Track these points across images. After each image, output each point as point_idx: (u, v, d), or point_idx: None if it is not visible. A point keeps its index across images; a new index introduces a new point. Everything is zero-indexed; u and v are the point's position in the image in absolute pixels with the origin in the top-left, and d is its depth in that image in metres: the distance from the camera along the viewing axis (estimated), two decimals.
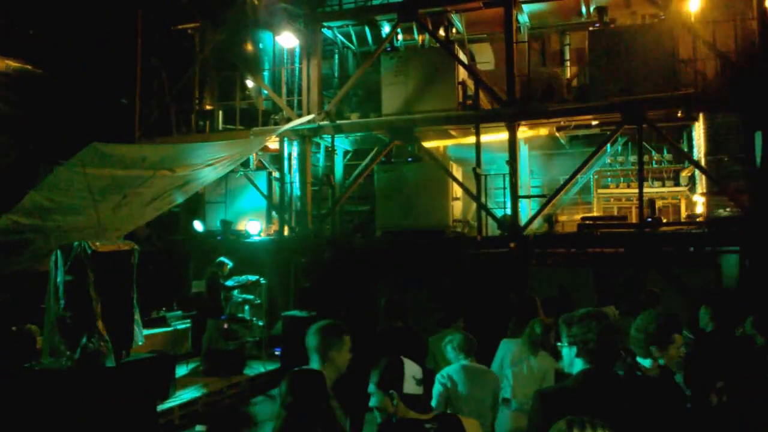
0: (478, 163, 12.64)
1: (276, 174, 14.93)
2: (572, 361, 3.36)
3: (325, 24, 14.47)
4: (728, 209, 11.43)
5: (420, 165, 13.50)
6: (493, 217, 12.56)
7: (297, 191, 14.30)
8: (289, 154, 14.56)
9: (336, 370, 3.95)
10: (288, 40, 14.57)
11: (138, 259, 8.49)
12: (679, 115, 12.39)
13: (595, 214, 13.93)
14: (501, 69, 13.44)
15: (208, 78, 15.03)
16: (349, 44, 16.13)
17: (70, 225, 9.74)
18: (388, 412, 3.19)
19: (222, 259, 12.08)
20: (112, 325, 7.80)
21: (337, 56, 16.37)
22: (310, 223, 13.87)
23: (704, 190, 11.92)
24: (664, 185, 13.44)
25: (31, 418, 7.26)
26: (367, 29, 15.32)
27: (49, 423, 7.15)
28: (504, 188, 12.95)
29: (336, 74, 16.42)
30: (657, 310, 8.16)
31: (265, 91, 14.64)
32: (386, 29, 14.29)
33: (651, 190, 13.05)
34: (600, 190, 13.95)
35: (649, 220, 11.87)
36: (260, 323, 12.59)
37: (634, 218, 12.52)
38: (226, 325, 11.97)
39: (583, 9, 13.66)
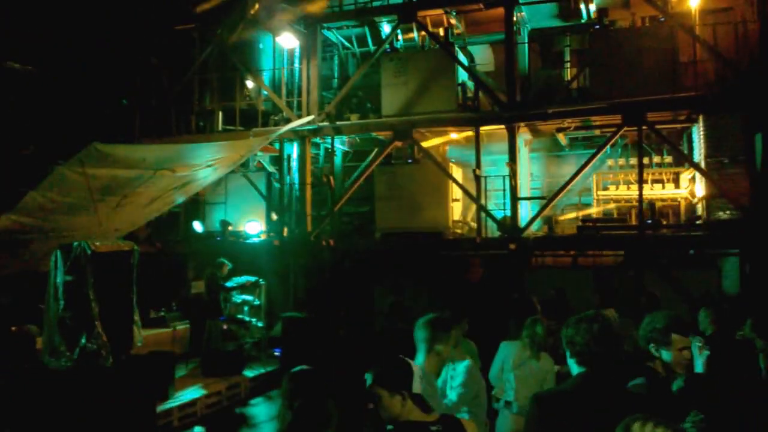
0: (478, 165, 12.64)
1: (276, 175, 14.93)
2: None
3: (325, 25, 14.47)
4: (728, 212, 11.43)
5: (420, 166, 13.50)
6: (493, 219, 12.56)
7: (296, 192, 14.30)
8: (289, 155, 14.55)
9: (440, 362, 4.11)
10: (288, 41, 14.57)
11: (137, 259, 8.49)
12: (679, 117, 12.42)
13: (594, 215, 13.92)
14: (501, 70, 13.46)
15: (208, 78, 15.02)
16: (349, 45, 16.13)
17: (69, 225, 9.73)
18: (393, 413, 3.10)
19: (221, 260, 12.08)
20: (111, 325, 7.79)
21: (336, 57, 16.37)
22: (309, 224, 13.86)
23: (704, 193, 11.92)
24: (664, 187, 13.43)
25: (31, 418, 7.26)
26: (367, 30, 15.32)
27: (49, 423, 7.14)
28: (504, 190, 12.95)
29: (336, 75, 16.43)
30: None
31: (265, 92, 14.63)
32: (386, 30, 14.29)
33: (651, 192, 13.03)
34: (600, 192, 13.92)
35: (649, 222, 11.87)
36: (259, 324, 12.59)
37: (634, 221, 12.50)
38: (225, 326, 11.98)
39: (584, 11, 13.66)
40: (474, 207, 13.15)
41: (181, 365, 11.44)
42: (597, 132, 13.63)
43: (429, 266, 12.65)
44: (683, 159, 12.60)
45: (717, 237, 11.31)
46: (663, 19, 12.33)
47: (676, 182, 13.39)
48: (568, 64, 14.75)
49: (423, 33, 14.02)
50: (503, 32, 12.86)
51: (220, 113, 14.99)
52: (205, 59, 14.79)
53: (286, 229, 14.23)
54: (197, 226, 14.63)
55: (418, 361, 4.23)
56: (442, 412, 3.44)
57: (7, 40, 13.45)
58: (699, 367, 3.79)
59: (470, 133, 13.32)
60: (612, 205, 14.01)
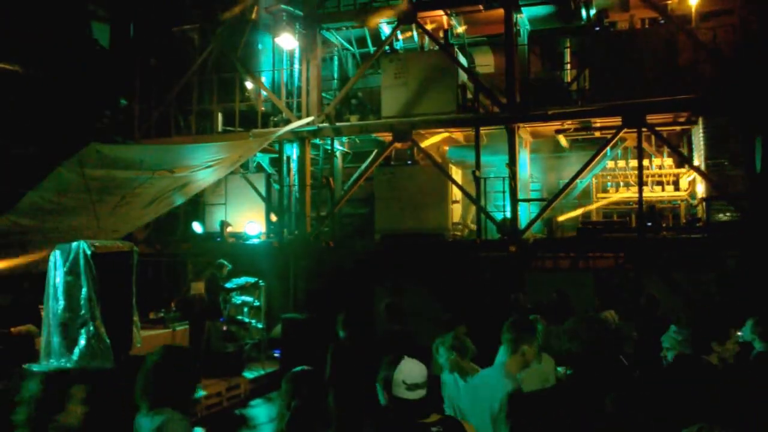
0: (478, 166, 12.64)
1: (275, 176, 14.93)
2: None
3: (324, 26, 14.46)
4: (728, 214, 11.43)
5: (419, 168, 13.49)
6: (493, 221, 12.55)
7: (296, 194, 14.30)
8: (288, 157, 14.55)
9: (524, 363, 4.20)
10: (287, 42, 14.57)
11: (137, 260, 8.47)
12: (679, 119, 12.42)
13: (593, 217, 13.92)
14: (501, 72, 13.46)
15: (208, 79, 15.02)
16: (349, 46, 16.12)
17: (69, 226, 9.73)
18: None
19: (221, 261, 12.07)
20: (110, 326, 7.77)
21: (336, 58, 16.36)
22: (309, 225, 13.85)
23: (704, 195, 11.91)
24: (664, 190, 13.43)
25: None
26: (366, 31, 15.31)
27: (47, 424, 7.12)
28: (504, 192, 12.95)
29: (335, 76, 16.43)
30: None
31: (265, 93, 14.63)
32: (386, 31, 14.28)
33: (651, 194, 13.04)
34: (600, 195, 13.93)
35: (649, 224, 11.86)
36: (259, 325, 12.58)
37: (634, 223, 12.50)
38: (225, 327, 11.97)
39: (584, 12, 13.66)
40: (474, 209, 13.15)
41: None
42: (597, 134, 13.62)
43: (429, 268, 12.63)
44: (683, 161, 12.61)
45: (717, 239, 11.30)
46: (662, 21, 12.33)
47: (676, 184, 13.40)
48: (568, 66, 14.76)
49: (421, 32, 14.00)
50: (503, 34, 12.86)
51: (220, 114, 14.98)
52: (205, 60, 14.78)
53: (285, 231, 14.22)
54: (197, 227, 14.62)
55: (501, 360, 4.27)
56: (445, 415, 3.43)
57: (7, 40, 13.44)
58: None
59: (470, 132, 13.33)
60: (612, 208, 14.02)
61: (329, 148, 14.85)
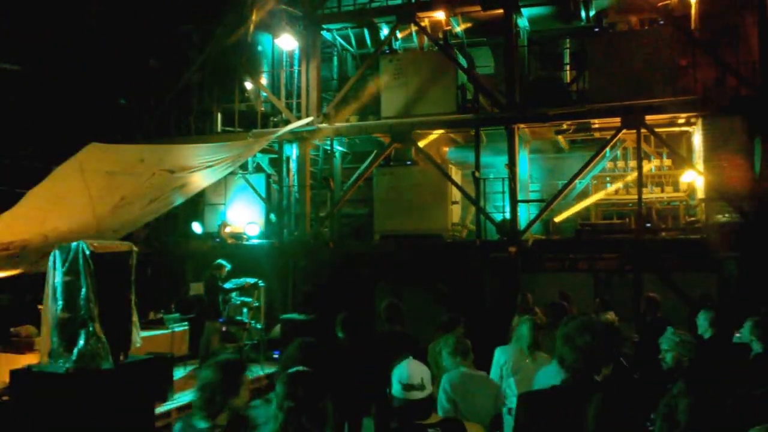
0: (477, 167, 12.64)
1: (275, 176, 14.92)
2: None
3: (324, 26, 14.46)
4: (727, 215, 11.43)
5: (419, 168, 13.49)
6: (492, 222, 12.55)
7: (295, 194, 14.29)
8: (288, 157, 14.54)
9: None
10: (287, 42, 14.56)
11: (136, 260, 8.46)
12: (679, 120, 12.42)
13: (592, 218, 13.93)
14: (500, 73, 13.46)
15: (207, 80, 15.01)
16: (348, 47, 16.12)
17: (67, 226, 9.71)
18: None
19: (220, 261, 12.06)
20: (109, 326, 7.76)
21: (336, 59, 16.37)
22: (308, 226, 13.85)
23: (703, 196, 11.91)
24: (663, 191, 13.44)
25: (28, 420, 7.24)
26: (366, 32, 15.31)
27: (46, 424, 7.12)
28: (503, 192, 12.95)
29: (335, 77, 16.42)
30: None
31: (264, 94, 14.62)
32: (385, 32, 14.29)
33: (650, 195, 13.04)
34: (599, 195, 13.94)
35: (648, 225, 11.87)
36: (258, 326, 12.56)
37: (633, 224, 12.50)
38: (224, 328, 11.94)
39: (583, 13, 13.66)
40: (473, 209, 13.14)
41: (179, 367, 11.41)
42: (596, 134, 13.63)
43: (428, 268, 12.63)
44: (682, 162, 12.61)
45: (716, 240, 11.30)
46: (662, 23, 12.34)
47: (676, 185, 13.41)
48: (568, 67, 14.77)
49: (420, 32, 14.01)
50: (502, 34, 12.87)
51: (219, 114, 14.98)
52: (204, 60, 14.78)
53: (285, 231, 14.21)
54: (196, 228, 14.61)
55: None
56: (444, 416, 3.43)
57: (7, 40, 13.44)
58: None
59: (468, 132, 13.33)
60: (612, 208, 14.02)
61: (329, 148, 14.84)
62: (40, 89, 14.07)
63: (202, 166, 10.87)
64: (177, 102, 15.01)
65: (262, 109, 14.75)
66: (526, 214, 13.38)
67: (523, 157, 13.77)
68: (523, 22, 13.87)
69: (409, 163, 13.77)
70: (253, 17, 14.24)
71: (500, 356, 6.17)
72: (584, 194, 14.30)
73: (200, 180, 11.70)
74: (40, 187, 8.69)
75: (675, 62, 11.76)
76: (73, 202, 9.17)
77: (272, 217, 14.63)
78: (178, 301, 13.53)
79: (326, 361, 3.40)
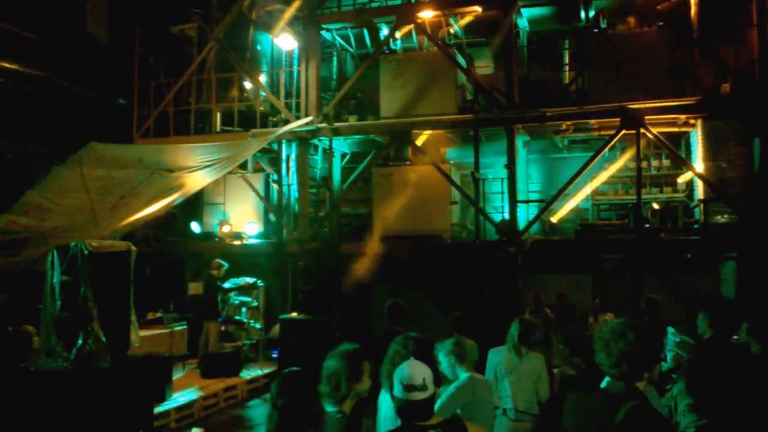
0: (477, 167, 12.64)
1: (274, 176, 14.92)
2: None
3: (323, 26, 14.46)
4: (726, 216, 11.43)
5: (418, 168, 13.48)
6: (491, 222, 12.55)
7: (294, 194, 14.29)
8: (287, 157, 14.54)
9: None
10: (286, 42, 14.55)
11: (135, 260, 8.46)
12: (678, 121, 12.42)
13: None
14: (500, 73, 13.46)
15: (206, 79, 15.01)
16: (348, 47, 16.12)
17: (67, 225, 9.71)
18: None
19: (219, 260, 12.06)
20: (108, 326, 7.75)
21: (335, 58, 16.36)
22: (307, 225, 13.84)
23: (702, 197, 11.92)
24: (662, 191, 13.44)
25: (27, 419, 7.22)
26: (365, 32, 15.30)
27: (45, 424, 7.11)
28: (502, 193, 12.94)
29: (334, 76, 16.42)
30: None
31: (264, 93, 14.61)
32: (385, 32, 14.28)
33: (649, 196, 13.04)
34: (598, 196, 13.94)
35: (647, 226, 11.87)
36: (257, 326, 12.57)
37: (632, 224, 12.50)
38: (223, 328, 11.96)
39: (582, 14, 13.67)
40: (473, 210, 13.14)
41: (178, 366, 11.42)
42: (595, 134, 13.62)
43: (427, 268, 12.63)
44: (682, 163, 12.61)
45: (715, 241, 11.31)
46: (662, 24, 12.34)
47: (674, 186, 13.41)
48: (567, 67, 14.77)
49: (416, 30, 14.00)
50: (502, 35, 12.86)
51: (218, 114, 14.97)
52: (203, 60, 14.77)
53: (284, 231, 14.21)
54: (195, 227, 14.61)
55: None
56: (446, 417, 3.42)
57: (6, 39, 13.43)
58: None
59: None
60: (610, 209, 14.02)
61: (328, 148, 14.84)
62: (39, 89, 14.05)
63: (201, 166, 10.87)
64: (176, 101, 14.99)
65: (262, 108, 14.74)
66: (525, 214, 13.37)
67: (522, 157, 13.77)
68: (522, 23, 13.87)
69: (408, 163, 13.77)
70: (253, 17, 14.26)
71: (493, 357, 6.17)
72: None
73: (199, 180, 11.70)
74: (40, 186, 8.70)
75: (674, 63, 11.76)
76: (72, 201, 9.17)
77: (271, 216, 14.63)
78: (176, 301, 13.53)
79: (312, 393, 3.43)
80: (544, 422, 5.82)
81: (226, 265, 12.03)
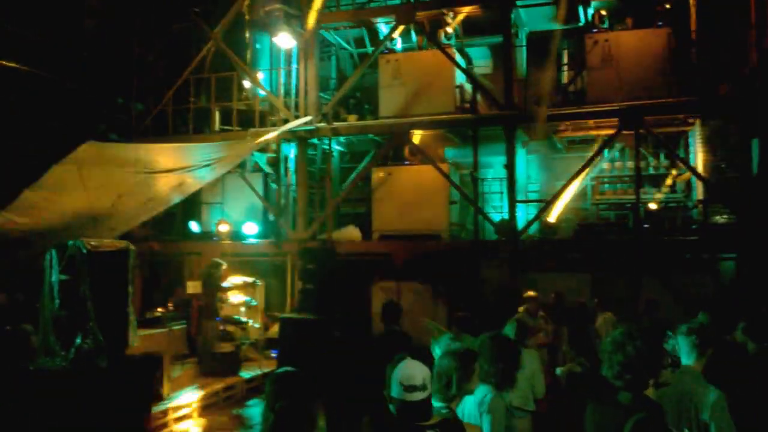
0: (476, 167, 12.64)
1: (273, 175, 14.91)
2: None
3: (322, 26, 14.44)
4: (725, 216, 11.44)
5: (417, 168, 13.48)
6: (490, 222, 12.54)
7: (293, 193, 14.27)
8: (286, 156, 14.52)
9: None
10: (285, 41, 14.54)
11: (133, 259, 8.44)
12: (677, 121, 12.42)
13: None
14: (499, 73, 13.45)
15: (205, 78, 14.99)
16: (347, 46, 16.11)
17: (65, 224, 9.69)
18: None
19: (217, 260, 12.04)
20: (106, 325, 7.74)
21: (334, 58, 16.35)
22: (306, 225, 13.83)
23: (701, 197, 11.92)
24: (661, 192, 13.45)
25: (25, 418, 7.21)
26: (364, 31, 15.30)
27: (43, 423, 7.10)
28: (501, 192, 12.94)
29: (333, 76, 16.41)
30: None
31: (263, 93, 14.60)
32: (384, 31, 14.27)
33: (647, 196, 13.04)
34: (597, 196, 13.94)
35: (646, 226, 11.87)
36: (256, 325, 12.55)
37: (631, 224, 12.50)
38: (221, 327, 11.93)
39: (581, 14, 13.67)
40: (472, 209, 13.13)
41: (177, 366, 11.39)
42: (593, 132, 13.62)
43: (426, 268, 12.62)
44: (681, 163, 12.62)
45: (714, 241, 11.31)
46: (660, 24, 12.34)
47: (674, 186, 13.41)
48: (566, 67, 14.77)
49: (415, 29, 13.99)
50: (501, 34, 12.86)
51: (217, 113, 14.96)
52: (203, 59, 14.76)
53: (283, 230, 14.20)
54: (194, 227, 14.59)
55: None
56: (444, 417, 3.41)
57: (6, 39, 13.42)
58: None
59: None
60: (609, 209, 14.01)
61: (327, 147, 14.83)
62: (39, 87, 14.03)
63: (199, 165, 10.85)
64: (175, 101, 14.98)
65: (260, 108, 14.73)
66: (524, 214, 13.37)
67: (521, 157, 13.77)
68: (521, 23, 13.87)
69: (407, 162, 13.77)
70: (252, 16, 14.25)
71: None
72: (583, 194, 14.30)
73: (198, 179, 11.68)
74: (37, 185, 8.67)
75: (673, 63, 11.76)
76: (70, 200, 9.15)
77: (270, 216, 14.62)
78: (175, 300, 13.50)
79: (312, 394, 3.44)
80: (540, 419, 5.86)
81: (225, 264, 12.01)
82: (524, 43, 14.36)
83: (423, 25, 13.45)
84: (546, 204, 12.54)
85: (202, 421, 9.83)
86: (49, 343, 7.71)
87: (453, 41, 13.68)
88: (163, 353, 10.32)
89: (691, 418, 3.97)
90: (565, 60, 15.01)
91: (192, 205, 14.93)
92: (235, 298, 12.39)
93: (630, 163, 13.19)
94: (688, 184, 13.21)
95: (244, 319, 12.45)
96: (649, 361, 3.33)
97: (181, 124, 15.10)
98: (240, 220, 14.32)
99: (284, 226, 14.22)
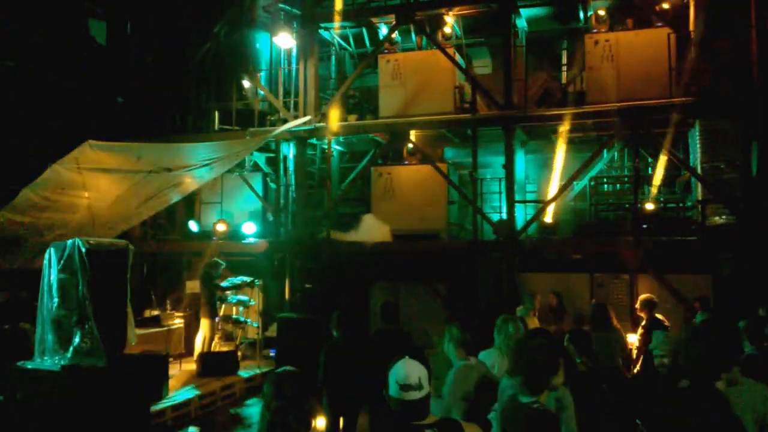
0: (475, 167, 12.64)
1: (272, 175, 14.91)
2: None
3: (322, 25, 14.45)
4: (724, 216, 11.44)
5: (416, 168, 13.49)
6: (489, 222, 12.55)
7: (292, 193, 14.27)
8: (285, 156, 14.53)
9: None
10: (285, 41, 14.54)
11: (132, 258, 8.45)
12: (676, 122, 12.40)
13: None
14: (498, 73, 13.45)
15: (205, 78, 14.98)
16: (347, 46, 16.11)
17: (63, 223, 9.70)
18: None
19: (216, 259, 12.05)
20: (105, 324, 7.74)
21: (334, 58, 16.35)
22: (305, 225, 13.83)
23: (700, 197, 11.92)
24: (660, 192, 13.45)
25: (24, 417, 7.22)
26: (364, 31, 15.30)
27: (42, 422, 7.11)
28: (500, 192, 12.94)
29: (333, 76, 16.41)
30: None
31: (262, 92, 14.60)
32: (384, 31, 14.28)
33: (647, 196, 13.05)
34: (596, 197, 13.96)
35: (645, 226, 11.87)
36: (255, 324, 12.56)
37: (629, 224, 12.50)
38: (220, 326, 11.94)
39: (581, 14, 13.68)
40: (470, 209, 13.14)
41: (175, 365, 11.40)
42: (593, 135, 13.63)
43: (425, 268, 12.63)
44: (680, 164, 12.62)
45: (713, 242, 11.31)
46: (660, 25, 12.34)
47: (672, 186, 13.42)
48: (565, 68, 14.77)
49: (420, 36, 14.00)
50: (501, 34, 12.86)
51: (216, 113, 14.95)
52: (202, 58, 14.75)
53: (282, 230, 14.20)
54: (193, 226, 14.59)
55: None
56: (441, 416, 3.42)
57: (6, 38, 13.42)
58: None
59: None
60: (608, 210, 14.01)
61: (326, 147, 14.83)
62: (39, 87, 14.03)
63: (198, 165, 10.85)
64: (174, 100, 14.97)
65: (260, 107, 14.73)
66: (523, 214, 13.37)
67: (520, 157, 13.77)
68: (521, 23, 13.87)
69: (406, 162, 13.77)
70: (252, 16, 14.25)
71: (487, 360, 6.13)
72: (582, 195, 14.32)
73: (197, 178, 11.68)
74: (37, 184, 8.68)
75: (672, 63, 11.76)
76: (69, 199, 9.16)
77: (269, 215, 14.62)
78: (174, 299, 13.51)
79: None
80: None
81: (224, 263, 12.02)
82: (524, 43, 14.36)
83: (423, 25, 13.44)
84: (545, 204, 12.54)
85: (200, 420, 9.83)
86: (47, 341, 7.72)
87: (453, 41, 13.69)
88: (161, 352, 10.34)
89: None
90: (565, 60, 15.00)
91: (191, 205, 14.95)
92: (234, 297, 12.39)
93: (629, 164, 13.21)
94: (687, 184, 13.21)
95: (242, 318, 12.46)
96: (720, 356, 3.65)
97: (180, 124, 15.10)
98: (239, 219, 14.32)
99: (283, 225, 14.22)
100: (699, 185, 12.03)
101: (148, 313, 12.49)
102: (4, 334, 9.03)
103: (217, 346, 12.00)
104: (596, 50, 12.39)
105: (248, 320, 12.46)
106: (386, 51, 13.94)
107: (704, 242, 11.29)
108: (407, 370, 3.21)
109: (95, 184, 9.15)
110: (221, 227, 13.91)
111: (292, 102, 14.61)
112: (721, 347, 3.61)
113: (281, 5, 14.17)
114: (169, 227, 15.23)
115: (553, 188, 12.87)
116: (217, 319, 11.83)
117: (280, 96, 14.61)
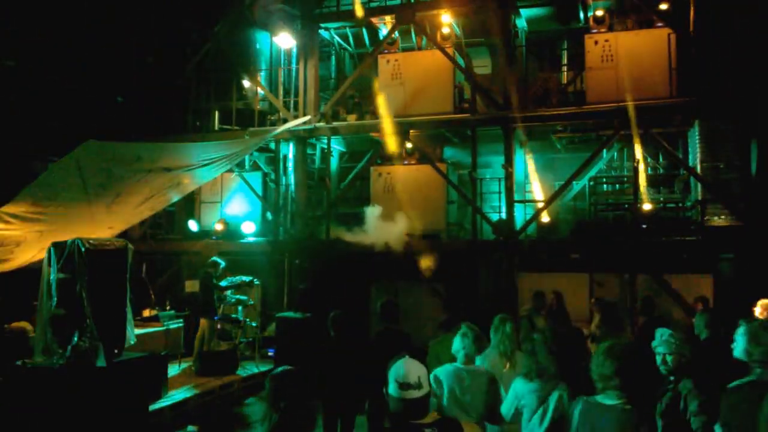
0: (474, 167, 12.63)
1: (272, 175, 14.91)
2: None
3: (322, 25, 14.45)
4: (723, 217, 11.44)
5: (416, 168, 13.49)
6: (488, 221, 12.55)
7: (292, 193, 14.27)
8: (285, 156, 14.53)
9: None
10: (285, 40, 14.54)
11: (132, 257, 8.45)
12: (675, 122, 12.42)
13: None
14: (498, 73, 13.45)
15: (205, 78, 14.98)
16: (347, 46, 16.11)
17: (63, 223, 9.68)
18: None
19: (215, 259, 12.04)
20: (104, 323, 7.75)
21: (334, 57, 16.34)
22: (304, 224, 13.83)
23: (700, 198, 11.92)
24: (659, 192, 13.45)
25: (22, 416, 7.22)
26: (364, 31, 15.30)
27: (40, 421, 7.10)
28: (499, 192, 12.93)
29: (333, 75, 16.41)
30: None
31: (262, 92, 14.60)
32: (383, 31, 14.27)
33: (646, 196, 13.05)
34: (595, 196, 13.96)
35: (644, 226, 11.87)
36: (254, 324, 12.55)
37: (629, 225, 12.51)
38: (219, 326, 11.93)
39: (581, 14, 13.68)
40: (470, 209, 13.14)
41: (174, 364, 11.39)
42: (593, 135, 13.63)
43: (424, 267, 12.61)
44: (679, 164, 12.62)
45: (712, 242, 11.31)
46: (660, 25, 12.34)
47: (672, 186, 13.42)
48: (565, 68, 14.77)
49: (420, 35, 14.01)
50: (500, 34, 12.86)
51: (217, 113, 14.95)
52: (202, 58, 14.75)
53: (281, 229, 14.20)
54: (192, 225, 14.58)
55: None
56: (441, 415, 3.42)
57: (6, 38, 13.42)
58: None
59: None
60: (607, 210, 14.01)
61: (326, 147, 14.83)
62: (39, 88, 14.03)
63: (198, 164, 10.85)
64: (174, 100, 14.97)
65: (260, 107, 14.72)
66: (522, 214, 13.37)
67: (519, 157, 13.76)
68: (521, 23, 13.87)
69: (406, 162, 13.76)
70: (253, 15, 14.24)
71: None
72: (582, 195, 14.32)
73: (197, 178, 11.68)
74: (37, 184, 8.67)
75: (672, 63, 11.76)
76: (69, 199, 9.14)
77: (268, 215, 14.62)
78: (173, 299, 13.51)
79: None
80: None
81: (223, 263, 12.01)
82: (524, 43, 14.36)
83: (422, 25, 13.44)
84: (544, 204, 12.54)
85: (199, 419, 9.82)
86: (47, 341, 7.72)
87: (452, 41, 13.69)
88: (160, 352, 10.33)
89: None
90: (565, 60, 15.00)
91: (190, 204, 14.95)
92: (233, 297, 12.38)
93: (628, 164, 13.21)
94: (687, 184, 13.22)
95: (241, 317, 12.45)
96: None
97: (180, 124, 15.10)
98: (239, 219, 14.32)
99: (282, 225, 14.22)
100: (698, 185, 12.03)
101: (147, 313, 12.47)
102: (3, 333, 9.03)
103: (216, 345, 12.00)
104: (596, 50, 12.40)
105: (247, 319, 12.45)
106: (386, 51, 13.93)
107: (704, 242, 11.29)
108: (407, 369, 3.22)
109: (95, 183, 9.13)
110: (219, 226, 13.90)
111: (292, 102, 14.61)
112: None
113: (281, 5, 14.17)
114: (168, 227, 15.23)
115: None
116: (216, 319, 11.82)
117: (280, 96, 14.61)
